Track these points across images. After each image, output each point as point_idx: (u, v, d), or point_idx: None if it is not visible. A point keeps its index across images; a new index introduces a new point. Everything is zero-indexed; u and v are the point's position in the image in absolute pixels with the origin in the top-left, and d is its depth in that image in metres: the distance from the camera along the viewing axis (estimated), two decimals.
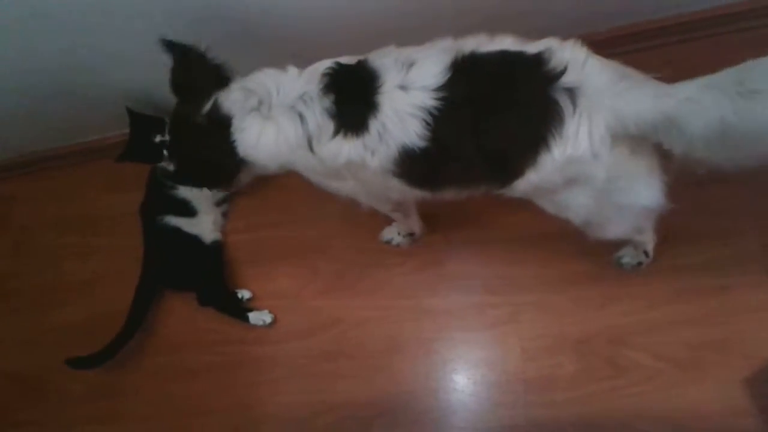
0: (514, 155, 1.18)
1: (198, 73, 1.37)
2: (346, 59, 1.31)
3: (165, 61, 1.39)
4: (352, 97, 1.24)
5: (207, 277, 2.00)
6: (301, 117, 1.26)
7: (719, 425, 1.50)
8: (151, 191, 2.07)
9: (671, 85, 1.08)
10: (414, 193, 1.39)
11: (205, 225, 2.02)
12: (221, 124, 1.31)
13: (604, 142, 1.10)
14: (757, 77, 0.98)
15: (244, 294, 1.99)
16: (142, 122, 1.85)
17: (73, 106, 2.05)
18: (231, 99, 1.32)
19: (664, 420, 1.54)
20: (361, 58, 1.29)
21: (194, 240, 1.99)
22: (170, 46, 1.38)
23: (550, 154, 1.13)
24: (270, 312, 1.94)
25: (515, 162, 1.19)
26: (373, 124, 1.20)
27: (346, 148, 1.24)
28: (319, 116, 1.25)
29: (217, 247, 2.05)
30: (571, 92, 1.11)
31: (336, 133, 1.24)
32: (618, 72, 1.13)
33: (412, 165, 1.23)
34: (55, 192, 2.45)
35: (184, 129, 1.41)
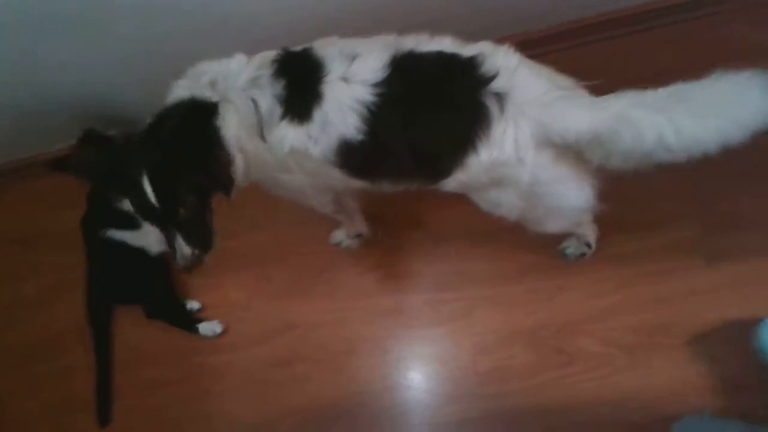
0: (443, 155, 1.20)
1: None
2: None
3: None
4: (300, 84, 1.24)
5: (154, 289, 1.97)
6: (255, 102, 1.24)
7: (669, 404, 1.54)
8: (92, 204, 2.02)
9: (599, 99, 1.10)
10: (355, 183, 1.38)
11: (151, 237, 1.96)
12: (196, 109, 1.24)
13: (528, 148, 1.12)
14: (699, 100, 1.01)
15: (193, 305, 1.96)
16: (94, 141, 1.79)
17: (20, 119, 1.99)
18: (180, 85, 1.28)
19: (616, 403, 1.58)
20: (306, 46, 1.27)
21: (140, 252, 1.94)
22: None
23: (477, 156, 1.15)
24: (220, 322, 1.92)
25: (443, 162, 1.21)
26: (317, 113, 1.21)
27: (291, 134, 1.23)
28: (270, 101, 1.24)
29: (164, 259, 2.00)
30: (500, 97, 1.12)
31: (282, 118, 1.23)
32: (548, 80, 1.14)
33: (350, 156, 1.24)
34: (12, 208, 2.37)
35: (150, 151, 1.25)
